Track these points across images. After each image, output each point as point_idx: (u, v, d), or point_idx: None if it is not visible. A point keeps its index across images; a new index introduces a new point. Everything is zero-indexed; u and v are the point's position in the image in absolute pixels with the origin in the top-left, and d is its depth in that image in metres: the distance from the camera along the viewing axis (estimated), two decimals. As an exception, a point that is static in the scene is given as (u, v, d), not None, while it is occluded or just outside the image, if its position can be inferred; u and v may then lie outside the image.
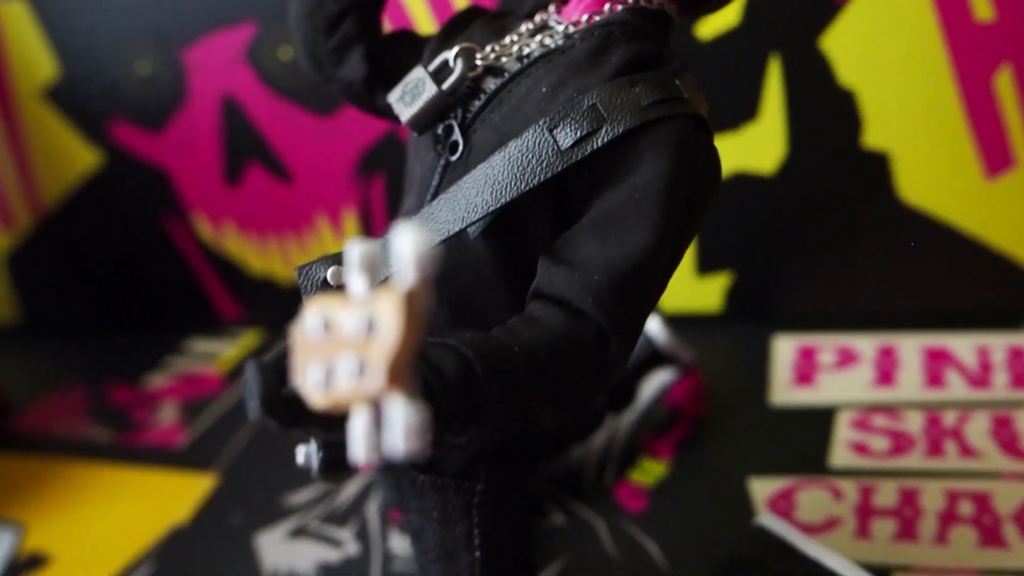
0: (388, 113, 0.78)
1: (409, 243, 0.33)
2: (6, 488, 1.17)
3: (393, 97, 0.71)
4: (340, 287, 0.65)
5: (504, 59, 0.69)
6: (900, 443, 0.98)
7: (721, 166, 0.67)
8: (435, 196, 0.69)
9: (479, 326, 0.60)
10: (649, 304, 0.63)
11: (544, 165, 0.63)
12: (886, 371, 1.08)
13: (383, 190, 1.24)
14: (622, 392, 1.05)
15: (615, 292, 0.59)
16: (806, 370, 1.11)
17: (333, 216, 1.28)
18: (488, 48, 0.70)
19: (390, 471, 0.84)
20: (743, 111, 1.08)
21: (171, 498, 1.12)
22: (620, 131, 0.62)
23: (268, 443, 1.18)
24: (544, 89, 0.66)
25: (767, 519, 0.91)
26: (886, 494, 0.92)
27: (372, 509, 1.04)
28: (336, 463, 0.69)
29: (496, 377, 0.54)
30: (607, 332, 0.59)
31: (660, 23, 0.69)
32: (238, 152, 1.27)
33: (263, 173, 1.27)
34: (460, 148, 0.68)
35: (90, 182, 1.35)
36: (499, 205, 0.63)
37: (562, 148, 0.63)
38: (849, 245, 1.13)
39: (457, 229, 0.64)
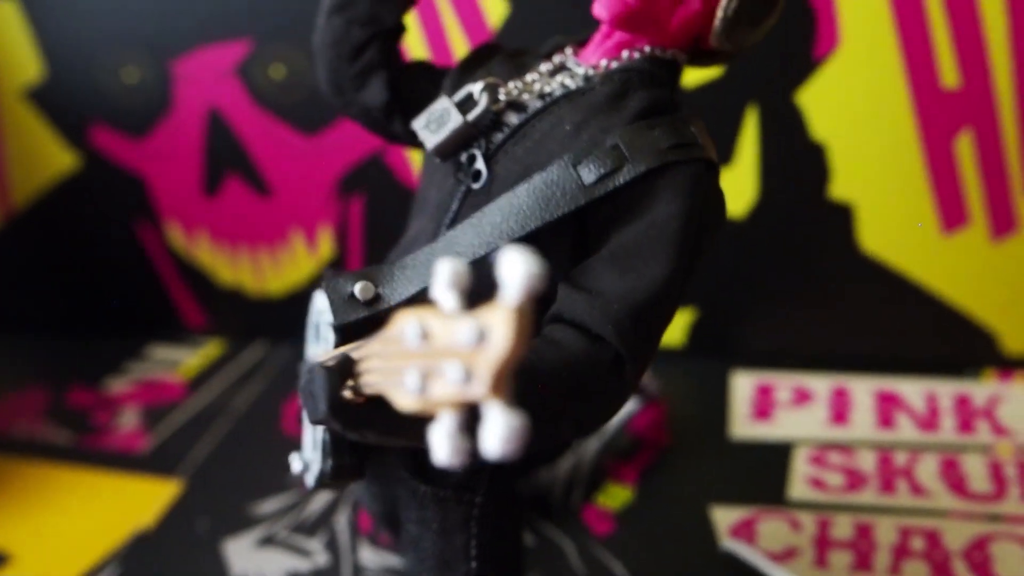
0: (402, 138, 0.82)
1: (520, 263, 0.37)
2: (-35, 486, 1.16)
3: (418, 124, 0.74)
4: (368, 302, 0.68)
5: (526, 96, 0.73)
6: (854, 480, 1.03)
7: (726, 206, 0.71)
8: (453, 221, 0.72)
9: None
10: (661, 332, 0.67)
11: (568, 198, 0.67)
12: (839, 411, 1.13)
13: (362, 210, 1.27)
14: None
15: (632, 321, 0.63)
16: (764, 406, 1.16)
17: (308, 232, 1.30)
18: (511, 85, 0.74)
19: (381, 483, 0.87)
20: (719, 156, 1.13)
21: (134, 502, 1.12)
22: (641, 171, 0.66)
23: (234, 452, 1.19)
24: (567, 127, 0.70)
25: (733, 544, 0.95)
26: (842, 527, 0.97)
27: (342, 521, 1.06)
28: (344, 471, 0.72)
29: (526, 393, 0.57)
30: (623, 357, 0.63)
31: (672, 71, 0.74)
32: (219, 164, 1.28)
33: (242, 186, 1.29)
34: (483, 177, 0.72)
35: (64, 184, 1.35)
36: (524, 233, 0.67)
37: (585, 183, 0.67)
38: (809, 289, 1.19)
39: (482, 253, 0.68)
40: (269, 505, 1.09)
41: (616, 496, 1.05)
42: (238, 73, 1.22)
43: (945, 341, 1.17)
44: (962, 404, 1.12)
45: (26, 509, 1.12)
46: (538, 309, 0.69)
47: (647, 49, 0.73)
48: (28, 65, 1.28)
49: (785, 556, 0.95)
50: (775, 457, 1.08)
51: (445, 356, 0.40)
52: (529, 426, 0.59)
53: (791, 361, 1.22)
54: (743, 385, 1.20)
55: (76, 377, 1.36)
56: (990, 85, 1.03)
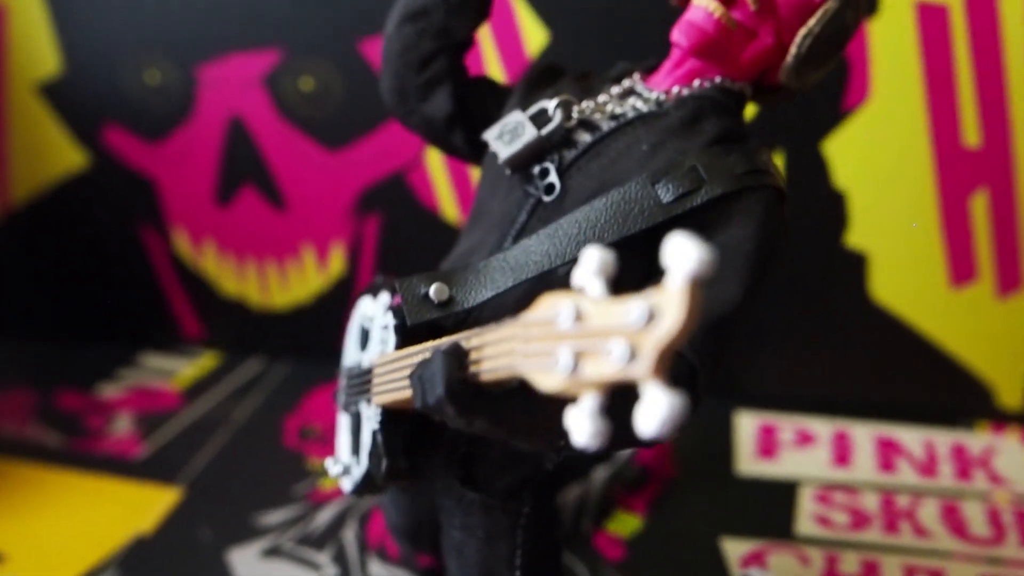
0: (460, 150, 0.84)
1: (690, 247, 0.38)
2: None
3: (491, 136, 0.76)
4: (442, 304, 0.69)
5: (597, 115, 0.75)
6: (859, 519, 1.05)
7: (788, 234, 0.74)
8: (520, 232, 0.74)
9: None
10: (729, 348, 0.68)
11: (646, 215, 0.69)
12: (842, 453, 1.16)
13: (377, 229, 1.27)
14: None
15: (707, 337, 0.65)
16: (768, 445, 1.18)
17: (321, 248, 1.30)
18: (584, 104, 0.75)
19: (412, 496, 0.87)
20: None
21: (132, 507, 1.11)
22: (717, 193, 0.69)
23: (234, 462, 1.18)
24: (644, 147, 0.72)
25: (756, 572, 0.97)
26: (850, 563, 0.99)
27: (349, 535, 1.05)
28: (399, 472, 0.72)
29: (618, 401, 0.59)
30: (697, 370, 0.65)
31: (739, 102, 0.77)
32: (235, 173, 1.28)
33: (257, 197, 1.29)
34: (556, 190, 0.73)
35: (70, 183, 1.34)
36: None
37: (663, 202, 0.69)
38: (817, 334, 1.21)
39: (558, 264, 0.69)
40: (274, 516, 1.08)
41: (626, 524, 1.06)
42: (265, 83, 1.22)
43: (942, 391, 1.20)
44: (959, 453, 1.15)
45: (20, 511, 1.10)
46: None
47: (718, 79, 0.75)
48: (46, 59, 1.27)
49: (797, 589, 0.96)
50: (781, 494, 1.10)
51: (607, 335, 0.42)
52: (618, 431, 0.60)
53: (793, 403, 1.24)
54: (747, 424, 1.22)
55: (66, 381, 1.34)
56: (1009, 146, 1.07)
